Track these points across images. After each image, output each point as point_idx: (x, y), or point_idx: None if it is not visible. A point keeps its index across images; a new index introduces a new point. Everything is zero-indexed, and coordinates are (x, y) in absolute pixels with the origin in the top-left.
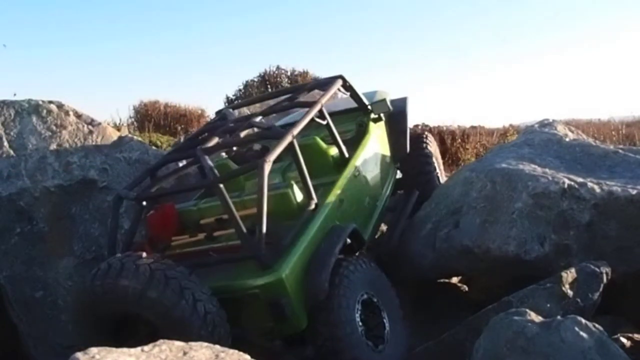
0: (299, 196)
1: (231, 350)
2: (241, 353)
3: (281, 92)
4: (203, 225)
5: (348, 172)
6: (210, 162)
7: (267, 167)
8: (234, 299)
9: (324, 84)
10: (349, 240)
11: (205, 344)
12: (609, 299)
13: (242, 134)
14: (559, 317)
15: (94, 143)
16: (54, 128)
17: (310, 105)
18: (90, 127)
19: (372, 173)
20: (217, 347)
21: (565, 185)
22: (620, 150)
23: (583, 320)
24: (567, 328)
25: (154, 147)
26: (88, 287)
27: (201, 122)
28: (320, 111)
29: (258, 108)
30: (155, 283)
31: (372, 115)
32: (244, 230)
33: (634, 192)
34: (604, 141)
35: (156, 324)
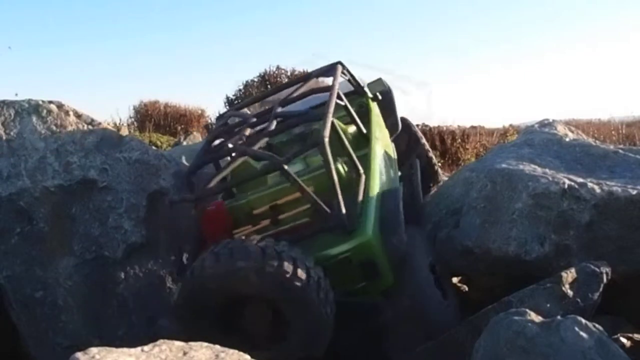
0: (346, 170)
1: (231, 351)
2: (241, 353)
3: (281, 87)
4: (255, 216)
5: (373, 144)
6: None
7: (327, 143)
8: (325, 268)
9: (327, 71)
10: None
11: (205, 344)
12: (609, 299)
13: (272, 126)
14: (559, 317)
15: (94, 143)
16: (54, 128)
17: (329, 89)
18: (90, 127)
19: (384, 147)
20: (217, 347)
21: (566, 186)
22: (620, 150)
23: (583, 320)
24: (567, 328)
25: (154, 147)
26: (199, 278)
27: (201, 122)
28: (338, 93)
29: (258, 107)
30: (270, 258)
31: (370, 96)
32: (321, 202)
33: (634, 192)
34: (604, 141)
35: (277, 298)
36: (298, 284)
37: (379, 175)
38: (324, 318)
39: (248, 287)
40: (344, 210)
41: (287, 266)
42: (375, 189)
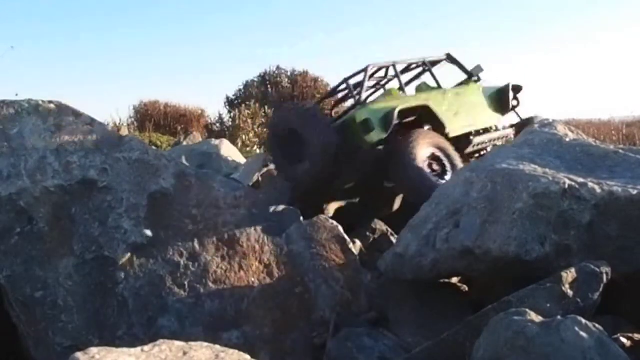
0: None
1: (231, 350)
2: (241, 353)
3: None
4: None
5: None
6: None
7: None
8: None
9: (437, 61)
10: None
11: (205, 344)
12: (609, 299)
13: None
14: (559, 317)
15: (94, 143)
16: (54, 128)
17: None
18: (90, 127)
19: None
20: (217, 347)
21: (566, 186)
22: (621, 150)
23: (583, 320)
24: (567, 328)
25: (154, 147)
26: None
27: (201, 122)
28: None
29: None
30: None
31: (474, 78)
32: None
33: (635, 192)
34: (604, 141)
35: None
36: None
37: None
38: None
39: None
40: None
41: None
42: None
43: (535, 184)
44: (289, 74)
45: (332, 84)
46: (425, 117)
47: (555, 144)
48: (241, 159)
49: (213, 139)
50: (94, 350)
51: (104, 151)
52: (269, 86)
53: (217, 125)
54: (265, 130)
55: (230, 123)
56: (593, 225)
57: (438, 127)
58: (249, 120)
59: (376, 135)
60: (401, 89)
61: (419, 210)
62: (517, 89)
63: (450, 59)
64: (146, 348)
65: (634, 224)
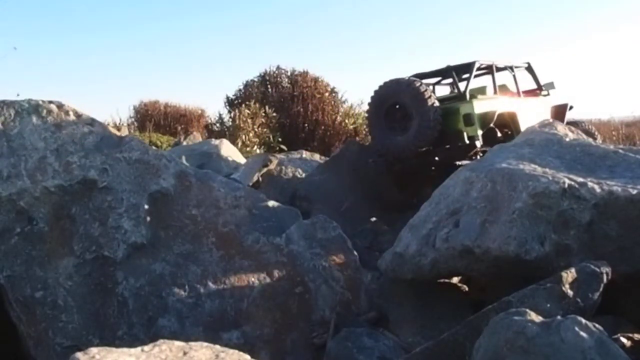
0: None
1: (231, 350)
2: (241, 353)
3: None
4: None
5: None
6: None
7: None
8: None
9: (511, 66)
10: None
11: (205, 344)
12: (609, 299)
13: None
14: (559, 317)
15: (94, 143)
16: (54, 128)
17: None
18: (90, 127)
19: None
20: (217, 347)
21: (566, 185)
22: (620, 150)
23: (583, 320)
24: (567, 328)
25: (154, 147)
26: None
27: (201, 122)
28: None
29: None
30: None
31: (544, 92)
32: None
33: (634, 192)
34: (604, 141)
35: None
36: None
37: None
38: None
39: None
40: None
41: None
42: None
43: (535, 184)
44: (289, 74)
45: (332, 84)
46: (509, 120)
47: (555, 143)
48: (241, 159)
49: (213, 139)
50: (94, 350)
51: (104, 151)
52: (269, 86)
53: (217, 125)
54: (265, 130)
55: (230, 123)
56: (593, 224)
57: (517, 133)
58: (249, 120)
59: (474, 130)
60: (495, 89)
61: (419, 209)
62: (570, 108)
63: (529, 69)
64: (146, 348)
65: (633, 224)
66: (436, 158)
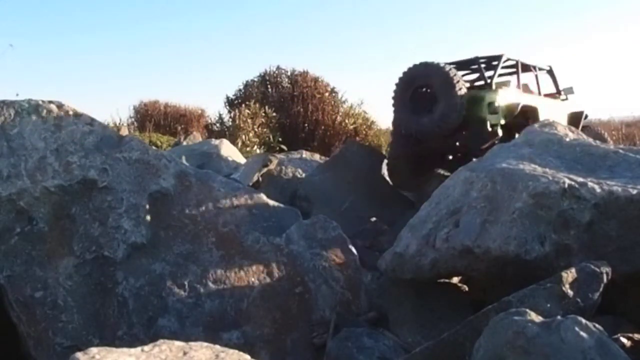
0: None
1: (231, 350)
2: (241, 353)
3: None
4: None
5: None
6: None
7: None
8: None
9: (533, 65)
10: None
11: (205, 344)
12: (609, 299)
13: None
14: (559, 317)
15: (94, 143)
16: (54, 128)
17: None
18: (90, 127)
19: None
20: (217, 347)
21: (566, 185)
22: (621, 150)
23: (583, 320)
24: (567, 328)
25: (154, 147)
26: None
27: (201, 122)
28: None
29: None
30: None
31: (562, 96)
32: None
33: (634, 191)
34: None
35: None
36: None
37: None
38: None
39: None
40: None
41: None
42: None
43: (535, 184)
44: (288, 74)
45: (332, 84)
46: (531, 115)
47: (555, 143)
48: (241, 159)
49: (213, 139)
50: (94, 350)
51: (104, 151)
52: (269, 86)
53: (217, 125)
54: (265, 130)
55: (230, 123)
56: (593, 224)
57: None
58: (249, 120)
59: (496, 119)
60: (518, 84)
61: (419, 209)
62: (585, 116)
63: (551, 72)
64: (146, 348)
65: (633, 224)
66: (457, 143)
